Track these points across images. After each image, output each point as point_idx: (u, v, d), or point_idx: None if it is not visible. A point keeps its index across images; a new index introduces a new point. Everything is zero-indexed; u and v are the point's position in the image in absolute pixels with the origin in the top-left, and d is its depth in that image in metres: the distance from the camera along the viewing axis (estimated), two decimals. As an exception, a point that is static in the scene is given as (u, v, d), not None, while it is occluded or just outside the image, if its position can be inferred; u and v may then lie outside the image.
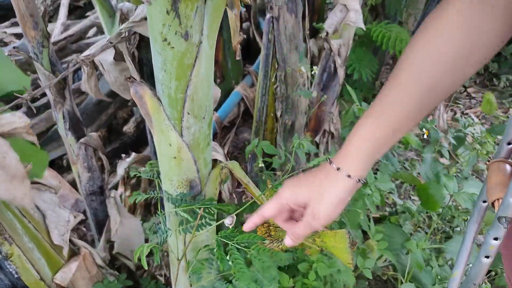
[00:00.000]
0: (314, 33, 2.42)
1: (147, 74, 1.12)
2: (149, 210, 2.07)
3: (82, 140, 1.28)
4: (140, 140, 2.63)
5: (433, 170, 1.43)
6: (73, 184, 2.29)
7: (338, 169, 0.56)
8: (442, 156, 2.04)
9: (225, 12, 0.75)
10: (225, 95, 2.33)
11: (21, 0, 1.06)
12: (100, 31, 3.14)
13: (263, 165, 1.14)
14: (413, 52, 0.53)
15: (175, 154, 0.80)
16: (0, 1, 3.43)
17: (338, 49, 1.83)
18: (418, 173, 2.04)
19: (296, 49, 1.47)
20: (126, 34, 0.97)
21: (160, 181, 0.91)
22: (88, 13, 3.50)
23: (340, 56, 1.85)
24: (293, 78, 1.52)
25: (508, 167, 0.66)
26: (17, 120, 0.79)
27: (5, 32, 3.08)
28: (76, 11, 3.66)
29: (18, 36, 3.14)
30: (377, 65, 2.46)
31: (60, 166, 2.49)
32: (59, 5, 3.46)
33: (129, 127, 2.54)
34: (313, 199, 0.58)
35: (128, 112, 2.75)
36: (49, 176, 1.76)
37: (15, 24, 3.36)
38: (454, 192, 1.27)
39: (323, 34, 1.52)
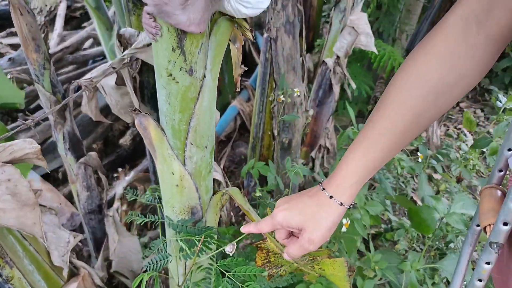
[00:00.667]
0: (309, 48, 2.45)
1: (147, 97, 1.13)
2: (145, 224, 2.08)
3: (81, 160, 1.29)
4: (136, 153, 2.63)
5: (425, 191, 1.46)
6: (68, 197, 2.28)
7: (331, 197, 0.60)
8: (436, 172, 2.07)
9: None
10: (222, 109, 2.35)
11: (24, 23, 1.07)
12: (97, 43, 3.15)
13: (260, 194, 1.16)
14: (401, 80, 0.56)
15: (177, 182, 0.81)
16: (-3, 11, 3.43)
17: (333, 68, 1.86)
18: (413, 189, 2.07)
19: (294, 69, 1.50)
20: (128, 60, 0.99)
21: (162, 206, 0.92)
22: (84, 24, 3.51)
23: (336, 74, 1.89)
24: (290, 98, 1.55)
25: (499, 193, 0.68)
26: (27, 146, 0.80)
27: (1, 43, 3.07)
28: (73, 22, 3.67)
29: (14, 46, 3.14)
30: (372, 80, 2.50)
31: (55, 178, 2.48)
32: (55, 16, 3.47)
33: (125, 140, 2.55)
34: (309, 226, 0.61)
35: (124, 124, 2.76)
36: (46, 190, 1.76)
37: (11, 34, 3.36)
38: (445, 214, 1.29)
39: (333, 58, 1.55)
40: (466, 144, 2.12)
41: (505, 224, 0.57)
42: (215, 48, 0.72)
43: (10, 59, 2.83)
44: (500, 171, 0.72)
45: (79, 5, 3.61)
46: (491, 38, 0.51)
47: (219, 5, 0.64)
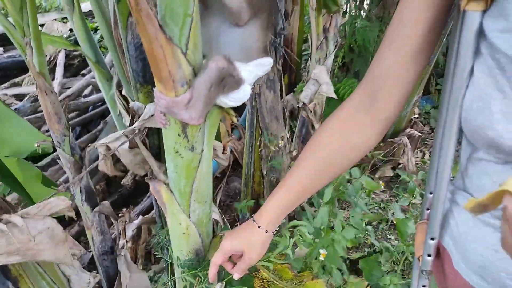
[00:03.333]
0: (292, 87, 2.69)
1: (153, 155, 1.34)
2: (149, 259, 2.25)
3: (96, 208, 1.49)
4: (137, 191, 2.82)
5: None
6: (75, 237, 2.45)
7: (259, 227, 0.81)
8: (414, 197, 2.28)
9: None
10: (215, 148, 2.57)
11: (48, 102, 1.29)
12: (96, 89, 3.38)
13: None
14: (311, 144, 0.76)
15: (184, 230, 1.02)
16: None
17: (313, 108, 2.10)
18: (393, 213, 2.28)
19: (276, 118, 1.73)
20: (138, 130, 1.21)
21: (170, 249, 1.12)
22: (83, 71, 3.75)
23: (316, 114, 2.12)
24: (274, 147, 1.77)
25: None
26: (61, 202, 1.06)
27: (6, 94, 3.28)
28: (71, 69, 3.90)
29: (18, 97, 3.35)
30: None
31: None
32: (55, 65, 3.70)
33: (127, 180, 2.74)
34: (247, 249, 0.82)
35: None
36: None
37: (14, 85, 3.57)
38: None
39: (300, 104, 1.78)
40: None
41: (429, 255, 0.77)
42: (209, 128, 0.94)
43: (15, 109, 3.04)
44: (428, 209, 0.93)
45: (76, 53, 3.86)
46: (377, 120, 0.69)
47: (214, 102, 0.86)
